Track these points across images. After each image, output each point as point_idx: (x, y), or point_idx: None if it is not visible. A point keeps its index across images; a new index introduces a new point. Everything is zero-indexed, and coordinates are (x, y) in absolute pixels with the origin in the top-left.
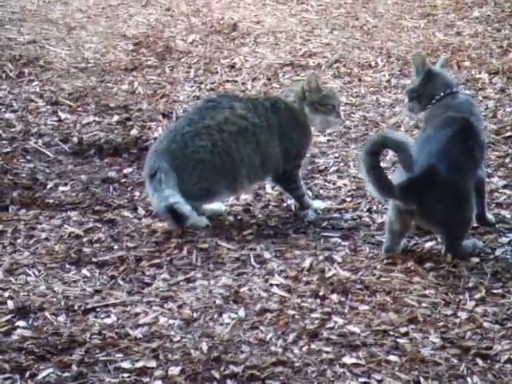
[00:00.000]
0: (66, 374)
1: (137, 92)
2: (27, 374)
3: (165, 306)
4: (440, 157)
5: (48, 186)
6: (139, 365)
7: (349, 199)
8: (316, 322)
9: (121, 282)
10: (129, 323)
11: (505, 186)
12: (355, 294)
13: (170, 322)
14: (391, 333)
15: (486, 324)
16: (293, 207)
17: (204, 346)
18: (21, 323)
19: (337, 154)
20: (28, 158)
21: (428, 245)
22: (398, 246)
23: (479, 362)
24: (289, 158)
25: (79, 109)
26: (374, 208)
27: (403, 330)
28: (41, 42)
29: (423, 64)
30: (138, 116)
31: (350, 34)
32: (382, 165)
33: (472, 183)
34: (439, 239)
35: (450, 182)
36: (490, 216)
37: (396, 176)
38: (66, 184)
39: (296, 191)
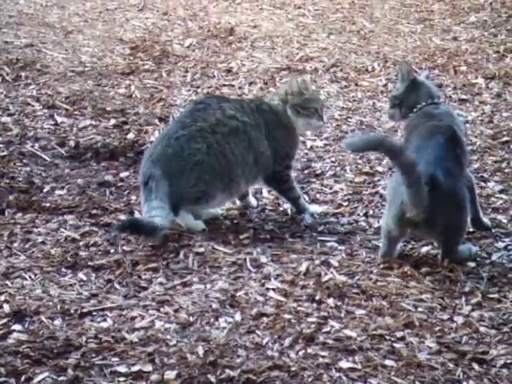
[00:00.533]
0: (62, 378)
1: (134, 96)
2: (23, 377)
3: (161, 309)
4: (438, 165)
5: (44, 190)
6: (135, 369)
7: (345, 203)
8: (312, 326)
9: (117, 286)
10: (125, 327)
11: (501, 191)
12: (351, 299)
13: (166, 326)
14: (387, 337)
15: (482, 329)
16: (289, 211)
17: (200, 350)
18: (17, 327)
19: (333, 159)
20: (24, 161)
21: (424, 249)
22: (395, 251)
23: (475, 366)
24: (278, 158)
25: (76, 112)
26: (371, 212)
27: (399, 334)
28: (38, 46)
29: (409, 72)
30: (135, 120)
31: (346, 38)
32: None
33: (465, 188)
34: (435, 244)
35: (449, 190)
36: (485, 220)
37: (392, 181)
38: (62, 188)
39: (289, 193)
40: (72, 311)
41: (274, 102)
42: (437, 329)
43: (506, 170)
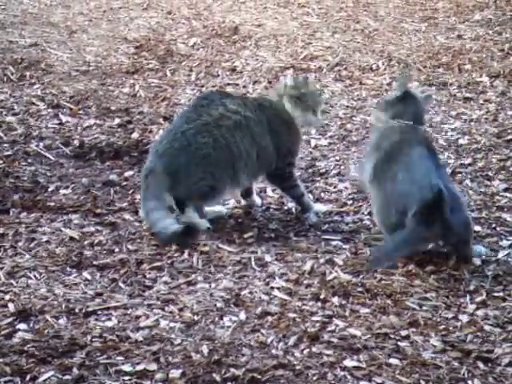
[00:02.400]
0: (67, 377)
1: (138, 95)
2: (28, 376)
3: (166, 308)
4: (435, 175)
5: (49, 189)
6: (140, 368)
7: (350, 202)
8: (317, 325)
9: (122, 285)
10: (129, 326)
11: (506, 190)
12: (356, 297)
13: (171, 324)
14: (392, 336)
15: (486, 327)
16: (294, 210)
17: (205, 349)
18: (22, 326)
19: (338, 157)
20: (29, 161)
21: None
22: None
23: (480, 365)
24: (280, 155)
25: (80, 112)
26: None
27: (404, 333)
28: (42, 45)
29: (404, 84)
30: (139, 119)
31: (351, 37)
32: None
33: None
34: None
35: (451, 197)
36: None
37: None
38: (67, 187)
39: (293, 190)
40: (77, 310)
41: (273, 98)
42: (441, 327)
43: (511, 169)
